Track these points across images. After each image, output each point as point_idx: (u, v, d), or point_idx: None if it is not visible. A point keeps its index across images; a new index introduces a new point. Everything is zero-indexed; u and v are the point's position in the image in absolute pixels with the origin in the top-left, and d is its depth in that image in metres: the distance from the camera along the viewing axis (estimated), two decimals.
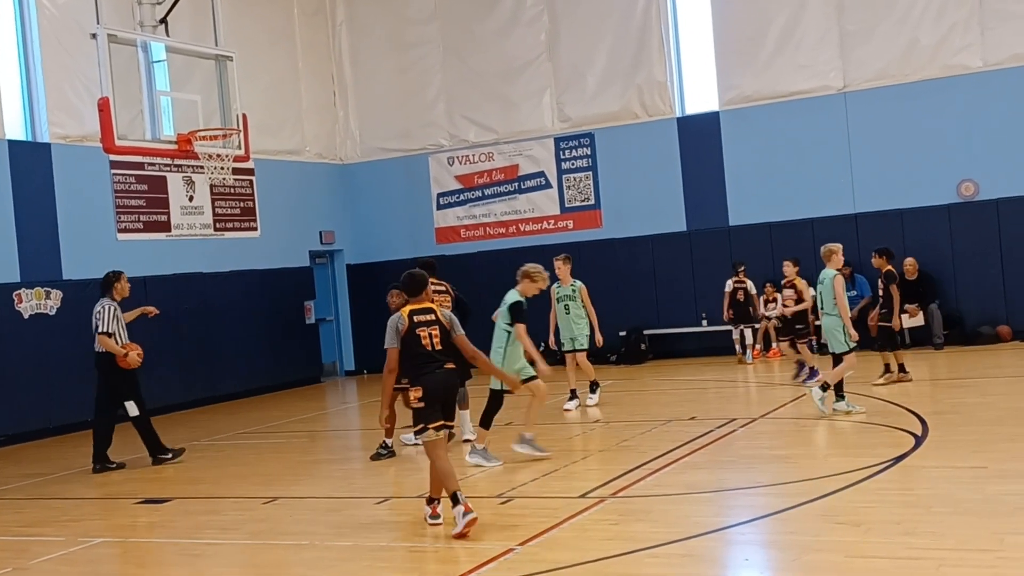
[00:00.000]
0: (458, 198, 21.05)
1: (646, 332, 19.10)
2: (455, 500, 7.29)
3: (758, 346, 17.74)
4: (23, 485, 11.28)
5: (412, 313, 7.63)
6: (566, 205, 20.21)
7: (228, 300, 18.20)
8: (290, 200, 20.25)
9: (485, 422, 10.05)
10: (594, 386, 13.65)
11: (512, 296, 10.14)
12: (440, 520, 7.65)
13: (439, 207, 21.21)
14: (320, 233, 21.09)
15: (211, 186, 18.06)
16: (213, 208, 18.54)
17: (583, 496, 8.28)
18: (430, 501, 7.80)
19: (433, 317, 7.67)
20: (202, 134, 13.27)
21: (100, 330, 11.31)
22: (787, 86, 18.36)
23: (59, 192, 15.94)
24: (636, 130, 19.45)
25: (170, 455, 11.68)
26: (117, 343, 11.37)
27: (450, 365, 7.67)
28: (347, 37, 21.67)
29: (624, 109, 19.52)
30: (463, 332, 7.81)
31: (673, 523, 7.45)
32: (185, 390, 17.25)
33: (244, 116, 13.89)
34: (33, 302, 15.25)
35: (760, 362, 17.19)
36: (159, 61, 13.71)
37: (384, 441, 10.80)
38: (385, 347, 7.55)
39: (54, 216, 15.87)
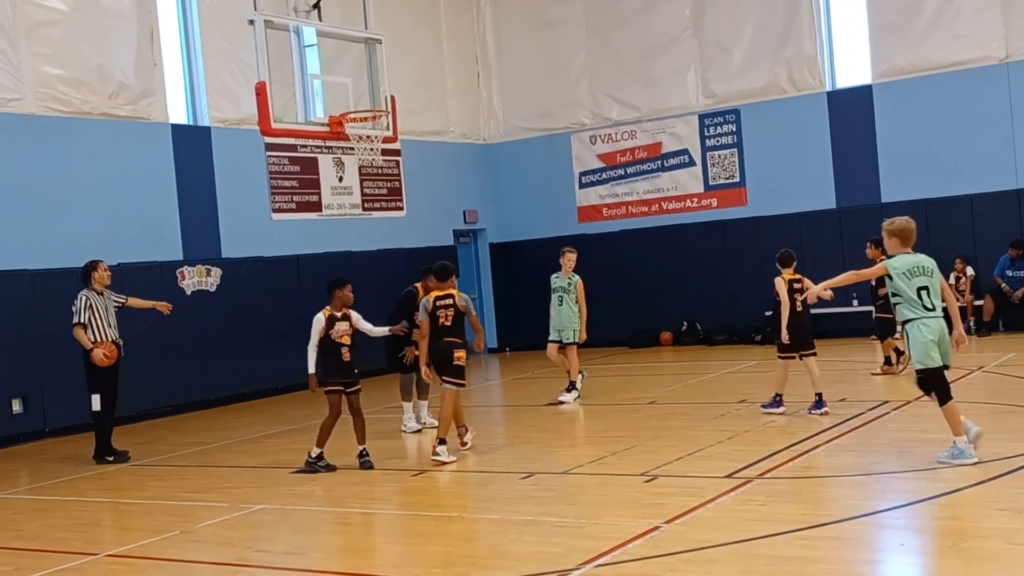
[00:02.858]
0: (600, 177, 21.01)
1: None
2: (442, 442, 9.83)
3: None
4: (186, 453, 11.86)
5: (437, 298, 9.94)
6: (710, 183, 19.93)
7: (375, 278, 18.60)
8: (435, 180, 20.58)
9: None
10: (572, 386, 13.21)
11: None
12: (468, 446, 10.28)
13: (581, 186, 21.21)
14: (464, 212, 21.38)
15: (359, 167, 18.54)
16: (361, 188, 19.01)
17: (729, 476, 8.20)
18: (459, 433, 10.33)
19: (451, 302, 9.92)
20: (352, 116, 13.62)
21: (73, 321, 11.17)
22: (945, 57, 17.63)
23: (218, 174, 16.61)
24: (784, 105, 19.01)
25: (112, 459, 11.34)
26: (92, 336, 11.14)
27: (452, 338, 9.89)
28: (491, 18, 21.83)
29: (771, 84, 19.10)
30: (475, 314, 10.26)
31: (823, 506, 7.32)
32: None
33: (392, 98, 14.19)
34: (195, 279, 15.96)
35: None
36: (311, 45, 14.15)
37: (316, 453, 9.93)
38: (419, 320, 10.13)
39: (214, 197, 16.55)
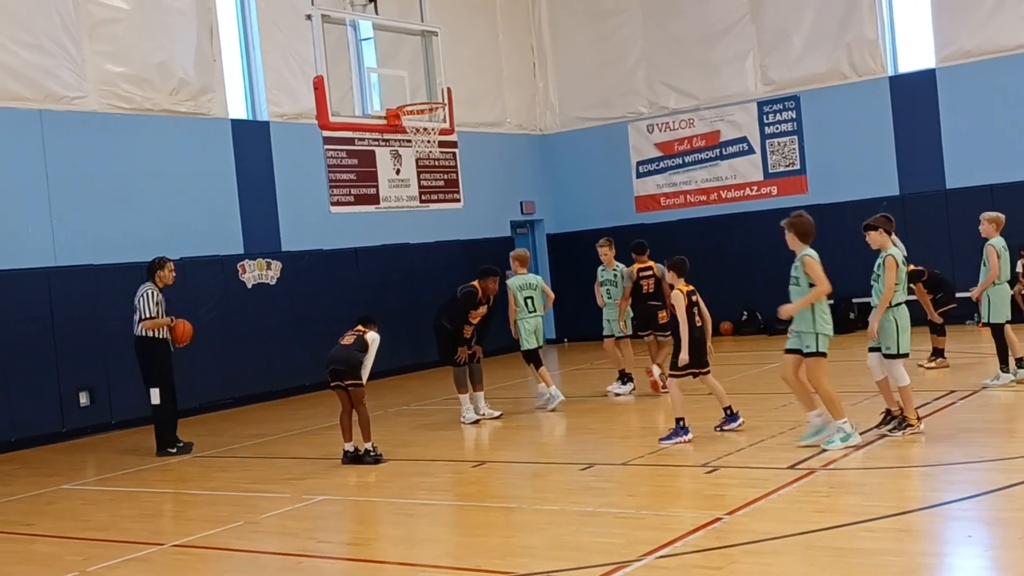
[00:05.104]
0: (658, 166, 20.86)
1: (855, 300, 18.43)
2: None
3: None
4: (249, 444, 12.01)
5: (639, 269, 12.52)
6: (770, 171, 19.70)
7: (433, 270, 18.71)
8: (492, 171, 20.59)
9: None
10: (628, 377, 13.03)
11: None
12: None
13: (639, 175, 21.08)
14: (521, 203, 21.36)
15: (416, 159, 18.61)
16: (419, 180, 19.08)
17: (792, 467, 8.11)
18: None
19: (651, 272, 12.53)
20: (409, 108, 13.66)
21: (144, 317, 11.33)
22: (1011, 40, 17.22)
23: (277, 168, 16.77)
24: (845, 91, 18.72)
25: (175, 450, 11.52)
26: (153, 332, 11.38)
27: (654, 302, 12.35)
28: (546, 7, 21.76)
29: (832, 70, 18.81)
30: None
31: (888, 497, 7.20)
32: (393, 357, 17.80)
33: (449, 90, 14.21)
34: (255, 273, 16.15)
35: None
36: (367, 39, 14.20)
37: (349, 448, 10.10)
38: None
39: (273, 191, 16.71)
